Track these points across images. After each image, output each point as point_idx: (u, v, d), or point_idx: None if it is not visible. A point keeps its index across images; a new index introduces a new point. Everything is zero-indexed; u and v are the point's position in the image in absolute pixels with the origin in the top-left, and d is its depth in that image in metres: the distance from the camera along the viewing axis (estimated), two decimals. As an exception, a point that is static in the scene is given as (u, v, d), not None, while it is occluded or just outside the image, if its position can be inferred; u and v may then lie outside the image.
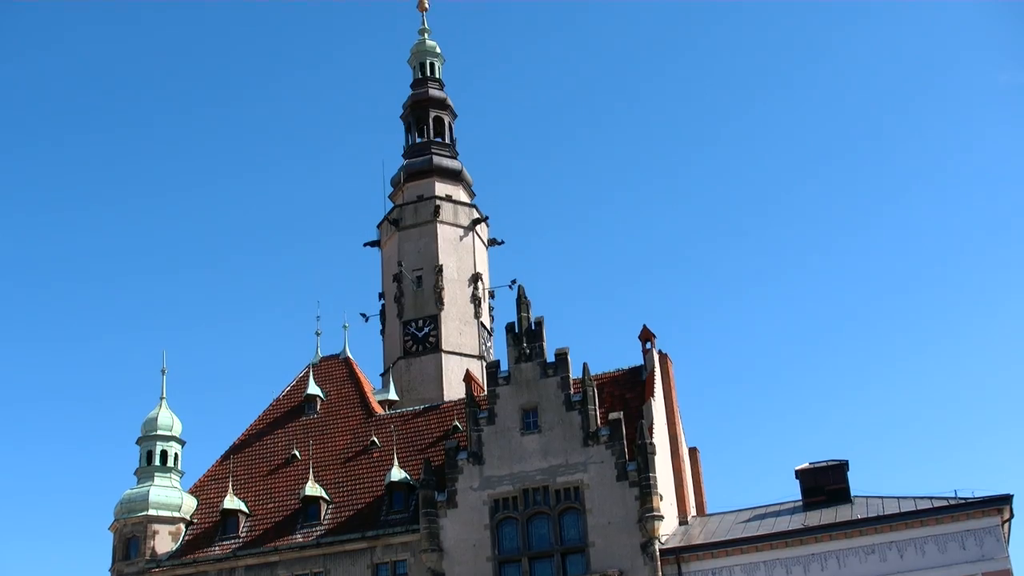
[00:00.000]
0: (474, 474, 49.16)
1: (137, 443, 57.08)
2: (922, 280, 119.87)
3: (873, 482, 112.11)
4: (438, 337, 64.83)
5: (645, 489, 46.53)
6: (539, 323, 51.26)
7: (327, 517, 52.53)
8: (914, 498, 46.48)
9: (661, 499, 46.99)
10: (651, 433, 48.20)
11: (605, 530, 46.78)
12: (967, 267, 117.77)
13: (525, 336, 50.97)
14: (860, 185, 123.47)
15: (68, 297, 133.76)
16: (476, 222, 69.96)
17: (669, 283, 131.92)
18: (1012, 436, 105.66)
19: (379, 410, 58.66)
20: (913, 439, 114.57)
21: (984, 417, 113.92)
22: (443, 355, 64.34)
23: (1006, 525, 44.31)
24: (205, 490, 56.69)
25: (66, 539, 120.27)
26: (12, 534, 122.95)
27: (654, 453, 47.35)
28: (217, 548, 53.16)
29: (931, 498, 45.78)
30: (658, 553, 45.77)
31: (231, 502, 54.10)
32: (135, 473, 56.47)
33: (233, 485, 55.33)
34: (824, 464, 50.04)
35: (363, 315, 68.44)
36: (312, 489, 53.01)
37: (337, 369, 61.61)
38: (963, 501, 44.72)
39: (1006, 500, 44.17)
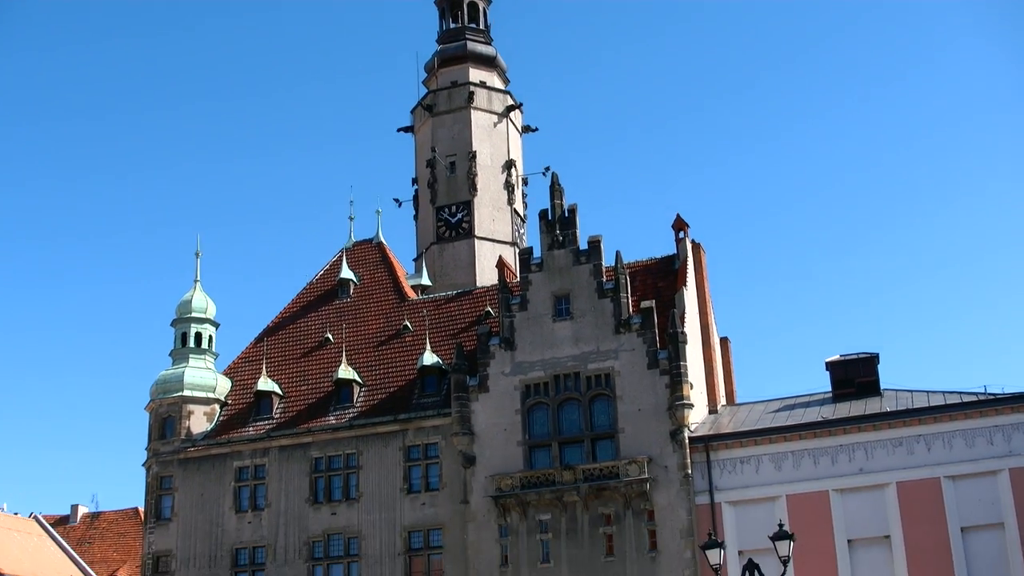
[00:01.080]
0: (506, 359, 49.52)
1: (172, 325, 57.76)
2: (956, 177, 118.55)
3: (903, 376, 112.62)
4: (471, 223, 64.72)
5: (676, 377, 46.78)
6: (572, 210, 51.11)
7: (359, 400, 53.14)
8: (943, 392, 46.54)
9: (691, 388, 47.27)
10: (683, 322, 48.30)
11: (635, 417, 47.17)
12: (997, 163, 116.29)
13: (558, 223, 50.88)
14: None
15: (106, 182, 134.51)
16: (510, 109, 69.31)
17: (704, 172, 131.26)
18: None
19: (412, 295, 58.94)
20: (944, 334, 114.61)
21: (1016, 313, 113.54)
22: (476, 241, 64.27)
23: (1035, 421, 44.31)
24: (239, 372, 57.37)
25: (105, 419, 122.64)
26: (55, 414, 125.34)
27: (685, 342, 47.52)
28: (251, 429, 53.98)
29: (960, 393, 45.84)
30: (687, 441, 46.21)
31: (265, 384, 54.82)
32: (170, 355, 57.25)
33: (267, 367, 55.97)
34: (855, 356, 50.04)
35: (396, 200, 68.34)
36: (345, 372, 53.58)
37: (370, 253, 61.80)
38: (993, 396, 44.75)
39: (1035, 397, 44.21)
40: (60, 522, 76.25)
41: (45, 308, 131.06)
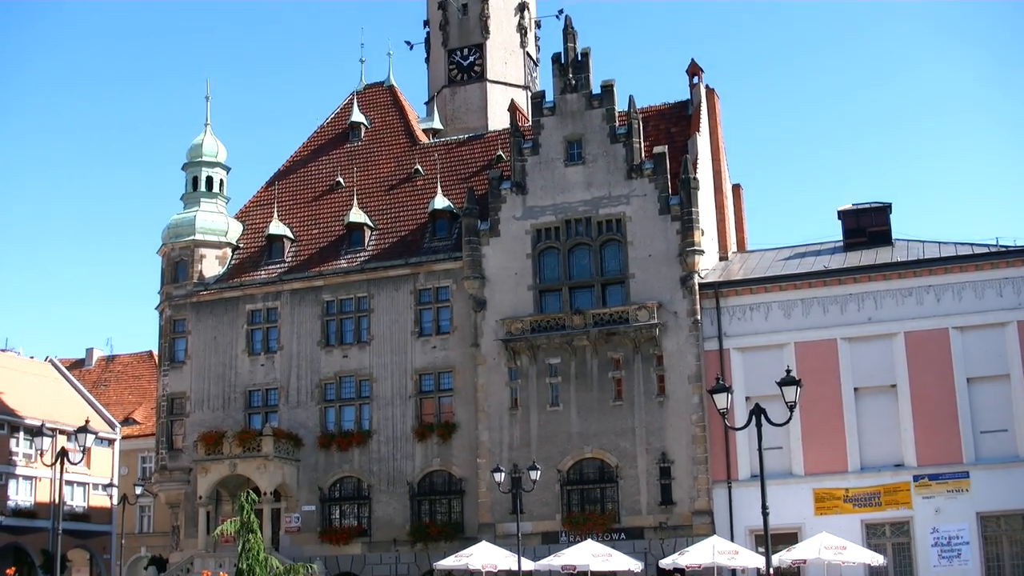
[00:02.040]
0: (517, 204, 49.38)
1: (183, 169, 57.56)
2: (974, 24, 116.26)
3: (916, 226, 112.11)
4: (483, 66, 63.75)
5: (687, 223, 46.66)
6: (585, 54, 50.34)
7: (371, 243, 53.20)
8: (955, 243, 46.47)
9: (702, 234, 47.19)
10: (695, 168, 47.99)
11: (645, 263, 47.20)
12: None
13: (571, 67, 50.17)
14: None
15: (117, 23, 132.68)
16: (523, -51, 67.75)
17: (719, 17, 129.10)
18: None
19: (423, 138, 58.52)
20: (958, 186, 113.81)
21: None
22: (488, 84, 63.34)
23: (1045, 275, 44.30)
24: (250, 216, 57.35)
25: (119, 264, 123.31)
26: (69, 259, 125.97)
27: (697, 188, 47.26)
28: (263, 272, 54.21)
29: (972, 244, 45.76)
30: (697, 287, 46.32)
31: (276, 227, 54.85)
32: (182, 199, 57.20)
33: (278, 211, 55.93)
34: (867, 206, 49.88)
35: (408, 43, 67.19)
36: (356, 215, 53.53)
37: (381, 97, 61.17)
38: (1004, 249, 44.74)
39: (1047, 250, 44.12)
40: (75, 365, 77.16)
41: (58, 153, 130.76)
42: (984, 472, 42.74)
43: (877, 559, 40.73)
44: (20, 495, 62.10)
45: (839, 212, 49.92)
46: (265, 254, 54.76)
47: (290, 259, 54.27)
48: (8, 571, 29.25)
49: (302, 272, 53.29)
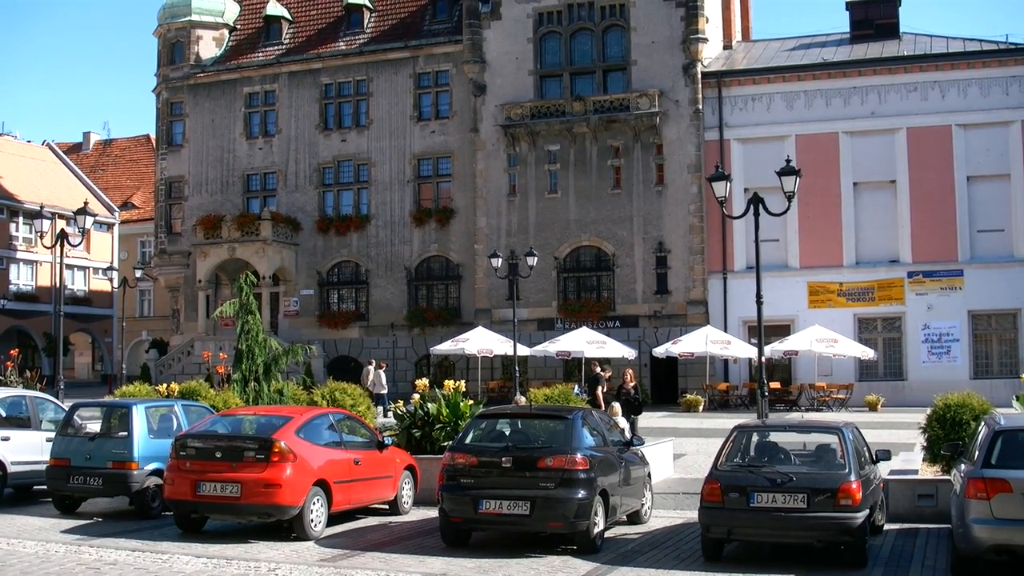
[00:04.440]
0: (519, -13, 48.33)
1: (180, -53, 56.05)
2: None
3: (925, 20, 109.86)
4: None
5: (692, 10, 45.70)
6: None
7: (370, 25, 52.26)
8: (963, 39, 45.70)
9: (707, 21, 46.25)
10: (702, -47, 46.73)
11: (648, 49, 46.41)
12: None
13: None
14: None
15: None
16: None
17: None
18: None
19: (424, -81, 56.78)
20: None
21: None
22: None
23: (1053, 73, 43.66)
24: (248, -5, 56.16)
25: (115, 46, 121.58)
26: (65, 40, 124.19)
27: (704, -27, 46.13)
28: (260, 54, 53.44)
29: (981, 40, 45.03)
30: (700, 75, 45.64)
31: (274, 8, 53.81)
32: (178, -23, 55.93)
33: (276, -10, 54.72)
34: (877, -3, 48.85)
35: None
36: (355, -4, 52.42)
37: None
38: (1014, 46, 44.00)
39: (1056, 48, 43.41)
40: (73, 149, 76.86)
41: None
42: (978, 271, 42.97)
43: (868, 353, 41.30)
44: (22, 279, 62.68)
45: (847, 2, 48.85)
46: (263, 36, 53.90)
47: (288, 41, 53.39)
48: (12, 352, 29.72)
49: (300, 55, 52.49)
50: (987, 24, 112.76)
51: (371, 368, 39.50)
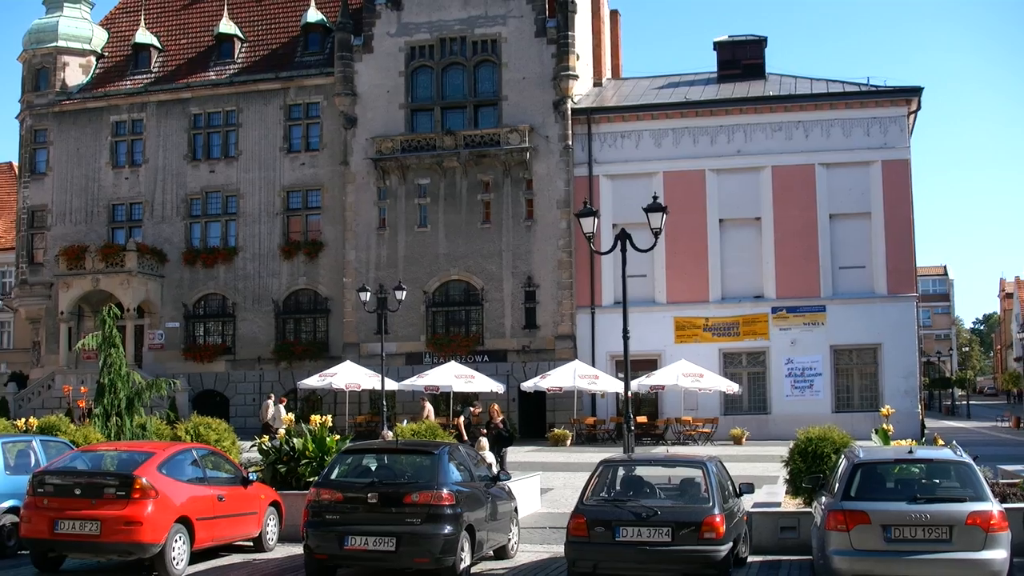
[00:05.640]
0: (392, 20, 48.19)
1: (45, -29, 55.04)
2: None
3: (790, 62, 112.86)
4: None
5: (563, 47, 46.10)
6: None
7: (241, 55, 51.75)
8: (827, 80, 46.78)
9: (578, 59, 46.70)
10: (573, -9, 47.24)
11: (519, 85, 46.68)
12: None
13: None
14: None
15: None
16: None
17: None
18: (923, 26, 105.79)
19: (299, -50, 56.57)
20: (832, 24, 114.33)
21: (901, 6, 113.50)
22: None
23: (912, 117, 44.90)
24: (116, 23, 55.23)
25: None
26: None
27: (575, 12, 46.58)
28: (128, 82, 52.51)
29: (843, 82, 46.06)
30: (570, 112, 45.98)
31: (143, 36, 52.95)
32: (44, 3, 54.84)
33: (145, 18, 53.95)
34: (743, 38, 49.83)
35: None
36: (226, 26, 51.87)
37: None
38: (874, 88, 45.13)
39: (915, 92, 44.67)
40: (-68, 175, 74.39)
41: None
42: (840, 307, 43.84)
43: (733, 387, 41.83)
44: None
45: (715, 43, 49.83)
46: (131, 64, 52.98)
47: (157, 69, 52.55)
48: None
49: (169, 83, 51.69)
50: (849, 67, 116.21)
51: (270, 402, 38.75)
